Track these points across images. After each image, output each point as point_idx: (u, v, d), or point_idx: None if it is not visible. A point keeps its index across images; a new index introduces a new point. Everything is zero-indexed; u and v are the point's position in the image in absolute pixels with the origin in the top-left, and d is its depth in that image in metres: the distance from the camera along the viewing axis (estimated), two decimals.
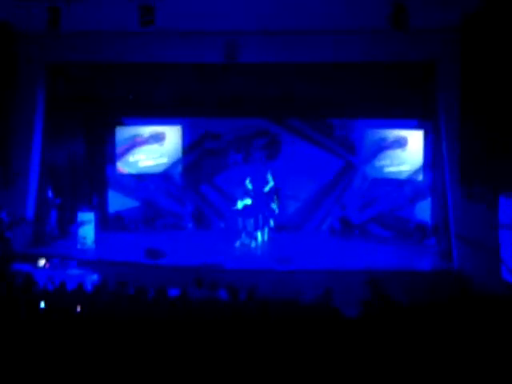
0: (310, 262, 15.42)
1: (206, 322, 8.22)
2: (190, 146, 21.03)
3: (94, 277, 14.28)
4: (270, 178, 19.21)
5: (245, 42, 15.43)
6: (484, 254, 13.80)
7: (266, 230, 18.40)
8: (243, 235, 17.86)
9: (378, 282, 10.79)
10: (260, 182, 19.03)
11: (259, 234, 18.10)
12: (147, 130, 20.80)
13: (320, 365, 6.42)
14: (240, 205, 18.14)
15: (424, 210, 18.82)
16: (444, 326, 7.78)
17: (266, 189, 18.99)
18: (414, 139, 19.02)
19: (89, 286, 13.03)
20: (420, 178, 18.98)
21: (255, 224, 17.96)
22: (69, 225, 18.34)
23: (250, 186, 18.54)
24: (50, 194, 18.07)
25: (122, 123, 20.58)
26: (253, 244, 17.80)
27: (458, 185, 15.20)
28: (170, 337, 7.33)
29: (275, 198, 19.08)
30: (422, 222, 18.70)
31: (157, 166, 20.91)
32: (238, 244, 17.72)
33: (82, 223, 17.18)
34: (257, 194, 18.53)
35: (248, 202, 18.14)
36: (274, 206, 18.95)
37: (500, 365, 6.39)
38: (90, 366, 6.42)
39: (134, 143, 20.70)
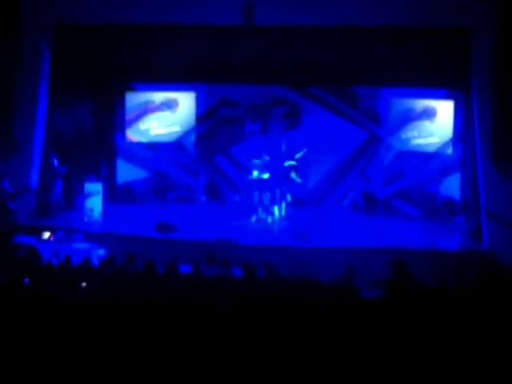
0: (329, 240, 15.33)
1: (220, 301, 8.20)
2: (204, 114, 20.90)
3: (101, 251, 14.31)
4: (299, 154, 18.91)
5: (264, 2, 15.26)
6: None
7: (284, 205, 18.29)
8: (259, 210, 17.80)
9: (404, 263, 10.71)
10: (278, 154, 18.85)
11: (276, 209, 18.01)
12: (159, 97, 20.69)
13: (339, 347, 6.38)
14: (255, 174, 18.06)
15: (453, 186, 18.65)
16: (473, 310, 7.71)
17: (289, 162, 18.71)
18: (444, 110, 18.80)
19: (95, 261, 13.07)
20: (449, 151, 18.78)
21: (272, 198, 17.87)
22: (75, 196, 18.32)
23: (266, 158, 18.36)
24: (55, 162, 18.06)
25: (133, 89, 20.48)
26: (269, 219, 17.74)
27: (489, 160, 15.04)
28: (180, 316, 7.31)
29: (294, 171, 18.88)
30: (450, 199, 18.53)
31: (169, 134, 20.83)
32: (253, 219, 17.66)
33: (89, 194, 17.17)
34: (275, 167, 18.39)
35: (265, 176, 18.06)
36: (294, 176, 18.67)
37: None
38: (94, 345, 6.41)
39: (145, 110, 20.61)
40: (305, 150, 18.85)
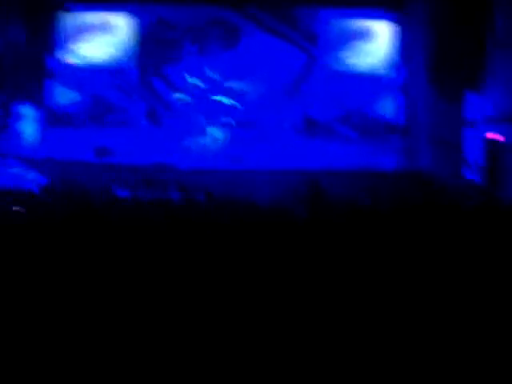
0: (267, 162, 15.39)
1: (159, 225, 8.20)
2: (141, 35, 20.46)
3: (33, 175, 14.07)
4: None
5: None
6: (448, 151, 13.96)
7: (221, 128, 18.21)
8: (197, 133, 17.70)
9: (318, 184, 10.90)
10: (214, 74, 18.63)
11: (215, 132, 17.92)
12: (95, 18, 20.14)
13: (275, 268, 6.46)
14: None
15: (391, 107, 18.79)
16: (408, 230, 7.87)
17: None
18: (382, 30, 18.77)
19: (34, 188, 12.90)
20: (387, 72, 18.84)
21: (210, 121, 17.76)
22: (8, 119, 17.91)
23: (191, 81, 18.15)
24: None
25: (67, 9, 19.88)
26: (207, 142, 17.67)
27: (427, 80, 15.17)
28: (118, 240, 7.30)
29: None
30: (388, 120, 18.70)
31: (105, 57, 20.37)
32: (191, 143, 17.57)
33: (23, 118, 16.81)
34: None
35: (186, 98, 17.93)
36: (225, 100, 18.41)
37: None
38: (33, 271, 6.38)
39: (80, 31, 20.07)
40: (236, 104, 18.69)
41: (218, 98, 17.90)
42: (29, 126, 16.81)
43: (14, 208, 9.30)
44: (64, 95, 20.10)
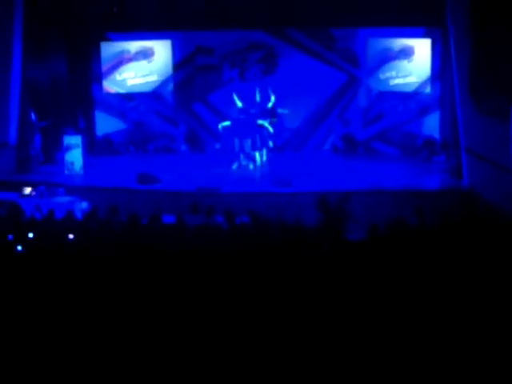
0: (311, 184, 15.37)
1: (205, 250, 8.23)
2: (181, 61, 20.69)
3: (84, 204, 14.28)
4: (271, 93, 18.71)
5: None
6: (495, 170, 13.77)
7: (265, 151, 18.28)
8: (240, 157, 17.78)
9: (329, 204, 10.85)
10: (255, 98, 18.69)
11: (257, 156, 17.99)
12: (134, 46, 20.42)
13: (326, 291, 6.44)
14: (223, 124, 18.10)
15: (432, 125, 18.72)
16: (456, 248, 7.80)
17: (269, 105, 18.57)
18: (422, 48, 18.72)
19: (78, 214, 13.05)
20: (428, 90, 18.77)
21: (253, 145, 17.83)
22: (54, 150, 18.18)
23: (239, 104, 18.25)
24: (32, 116, 17.89)
25: (108, 39, 20.20)
26: (251, 166, 17.73)
27: (467, 97, 15.04)
28: (165, 265, 7.34)
29: (273, 117, 18.74)
30: (430, 138, 18.61)
31: (146, 84, 20.63)
32: (234, 166, 17.65)
33: (69, 147, 17.07)
34: (252, 112, 18.27)
35: (226, 123, 18.07)
36: (266, 124, 18.41)
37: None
38: (82, 297, 6.44)
39: (121, 60, 20.36)
40: (273, 99, 18.67)
41: (259, 121, 17.94)
42: (73, 154, 17.02)
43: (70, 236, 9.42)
44: (107, 123, 20.39)
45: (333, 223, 9.97)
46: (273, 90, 18.78)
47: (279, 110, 18.65)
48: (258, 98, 18.43)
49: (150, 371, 5.29)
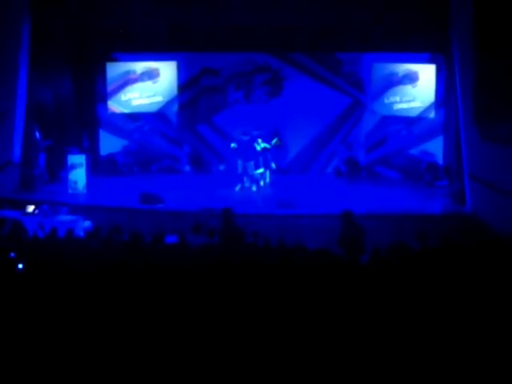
0: (313, 206, 15.38)
1: (207, 270, 8.23)
2: (186, 83, 20.79)
3: (87, 223, 14.29)
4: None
5: None
6: (499, 196, 13.76)
7: (268, 174, 18.31)
8: (244, 179, 17.80)
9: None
10: (260, 124, 18.74)
11: (259, 177, 18.00)
12: (140, 66, 20.55)
13: (326, 312, 6.43)
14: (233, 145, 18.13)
15: (436, 150, 18.75)
16: (459, 271, 7.78)
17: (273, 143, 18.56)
18: (426, 74, 18.83)
19: (81, 233, 13.06)
20: (432, 115, 18.84)
21: (256, 167, 17.87)
22: (58, 169, 18.23)
23: (244, 138, 18.28)
24: (37, 135, 17.94)
25: (113, 59, 20.31)
26: (254, 188, 17.75)
27: (471, 123, 15.08)
28: (168, 285, 7.33)
29: (276, 139, 18.76)
30: (433, 163, 18.63)
31: (151, 104, 20.72)
32: (238, 188, 17.67)
33: (73, 167, 17.10)
34: (255, 135, 18.33)
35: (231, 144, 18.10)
36: (269, 145, 18.39)
37: None
38: (83, 315, 6.44)
39: (127, 80, 20.47)
40: (276, 139, 18.70)
41: (261, 143, 17.99)
42: (77, 173, 17.05)
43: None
44: (111, 143, 20.45)
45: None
46: (276, 113, 18.87)
47: (272, 142, 18.57)
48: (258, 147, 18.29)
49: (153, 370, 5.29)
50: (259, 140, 18.03)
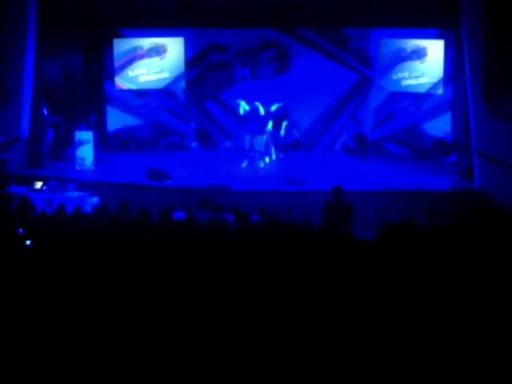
0: (321, 183, 15.31)
1: (214, 246, 8.22)
2: (193, 59, 20.66)
3: (94, 199, 14.30)
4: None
5: None
6: (507, 172, 13.70)
7: (273, 150, 18.22)
8: (250, 155, 17.74)
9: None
10: (267, 99, 18.60)
11: (267, 153, 17.93)
12: (147, 42, 20.42)
13: (335, 289, 6.41)
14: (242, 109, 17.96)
15: (444, 126, 18.63)
16: (468, 248, 7.76)
17: (273, 108, 18.38)
18: (434, 50, 18.64)
19: (89, 209, 13.06)
20: (440, 91, 18.69)
21: (262, 143, 17.77)
22: (66, 145, 18.20)
23: (246, 107, 18.10)
24: (45, 112, 17.90)
25: (120, 35, 20.19)
26: (261, 164, 17.69)
27: (480, 99, 14.97)
28: (175, 261, 7.32)
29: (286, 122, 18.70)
30: (441, 139, 18.53)
31: (158, 81, 20.63)
32: (245, 164, 17.61)
33: (80, 143, 17.08)
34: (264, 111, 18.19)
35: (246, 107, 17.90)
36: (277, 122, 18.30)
37: None
38: (90, 291, 6.43)
39: (134, 56, 20.36)
40: (281, 103, 18.54)
41: (270, 119, 17.90)
42: (84, 150, 17.03)
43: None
44: (118, 119, 20.40)
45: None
46: (283, 90, 18.76)
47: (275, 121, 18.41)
48: (261, 111, 18.12)
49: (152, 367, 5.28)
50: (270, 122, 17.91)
